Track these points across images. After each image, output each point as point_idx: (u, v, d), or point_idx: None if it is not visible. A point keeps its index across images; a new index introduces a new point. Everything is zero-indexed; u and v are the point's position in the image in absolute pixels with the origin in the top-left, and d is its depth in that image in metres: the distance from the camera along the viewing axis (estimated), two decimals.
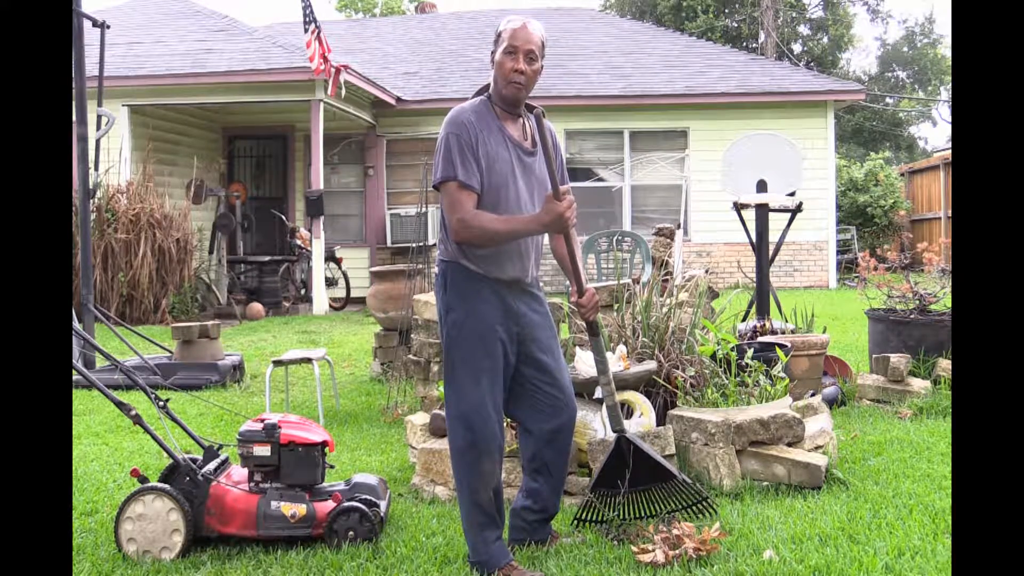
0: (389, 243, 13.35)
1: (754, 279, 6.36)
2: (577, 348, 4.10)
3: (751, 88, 13.93)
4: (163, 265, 10.24)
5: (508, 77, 2.78)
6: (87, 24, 7.47)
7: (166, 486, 3.15)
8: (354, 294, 12.37)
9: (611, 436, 3.22)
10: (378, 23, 20.92)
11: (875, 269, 6.18)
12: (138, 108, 11.65)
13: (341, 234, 13.89)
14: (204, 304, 11.26)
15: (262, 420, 3.29)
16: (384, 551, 3.08)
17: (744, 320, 6.15)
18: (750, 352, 4.24)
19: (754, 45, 27.82)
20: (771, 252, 6.34)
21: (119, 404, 3.23)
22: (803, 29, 30.46)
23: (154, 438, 3.26)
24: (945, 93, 30.54)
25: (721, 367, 4.10)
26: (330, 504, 3.18)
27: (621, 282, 4.74)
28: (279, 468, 3.24)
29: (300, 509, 3.16)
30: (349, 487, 3.30)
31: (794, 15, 29.14)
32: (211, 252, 11.97)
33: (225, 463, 3.41)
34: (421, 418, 4.25)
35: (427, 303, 5.57)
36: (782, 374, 4.15)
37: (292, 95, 11.65)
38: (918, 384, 5.13)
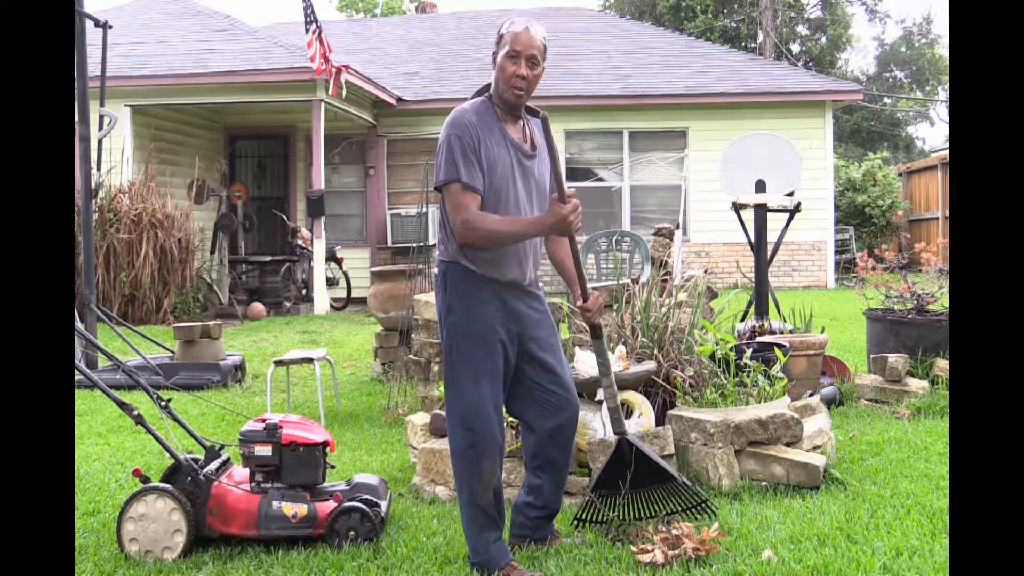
0: (390, 243, 13.36)
1: (753, 279, 6.37)
2: (577, 348, 4.11)
3: (750, 88, 13.94)
4: (165, 265, 10.25)
5: (510, 82, 2.79)
6: (89, 24, 7.48)
7: (168, 486, 3.17)
8: (355, 294, 12.38)
9: (612, 437, 3.24)
10: (379, 23, 20.93)
11: (873, 269, 6.20)
12: (140, 108, 11.66)
13: (342, 234, 13.90)
14: (206, 304, 11.28)
15: (263, 420, 3.30)
16: (385, 551, 3.09)
17: (743, 320, 6.17)
18: (749, 352, 4.25)
19: (753, 45, 27.82)
20: (770, 252, 6.35)
21: (121, 404, 3.24)
22: (801, 29, 30.46)
23: (156, 438, 3.27)
24: (943, 93, 30.54)
25: (720, 367, 4.12)
26: (331, 504, 3.19)
27: (620, 282, 4.75)
28: (280, 468, 3.25)
29: (301, 509, 3.17)
30: (350, 487, 3.32)
31: (792, 15, 29.14)
32: (213, 252, 11.98)
33: (227, 463, 3.42)
34: (422, 418, 4.27)
35: (427, 303, 5.58)
36: (780, 374, 4.17)
37: (293, 95, 11.67)
38: (916, 384, 5.14)
